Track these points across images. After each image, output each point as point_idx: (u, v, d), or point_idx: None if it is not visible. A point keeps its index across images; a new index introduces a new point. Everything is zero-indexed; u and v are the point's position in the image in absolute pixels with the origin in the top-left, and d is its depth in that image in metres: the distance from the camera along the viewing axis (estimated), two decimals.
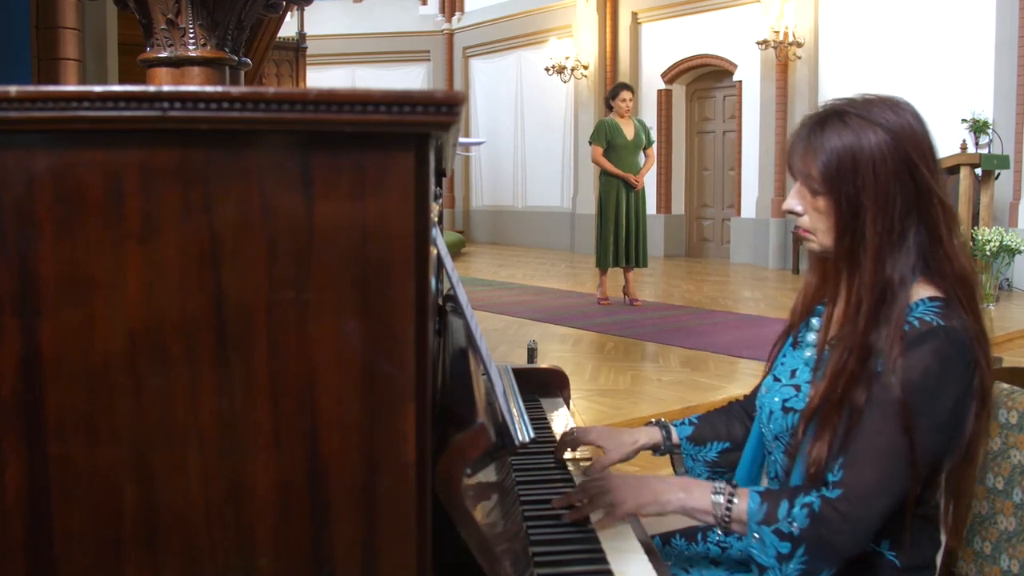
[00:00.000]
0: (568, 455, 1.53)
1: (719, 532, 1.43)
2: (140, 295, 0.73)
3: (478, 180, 14.83)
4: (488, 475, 1.06)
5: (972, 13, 8.64)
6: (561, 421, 1.76)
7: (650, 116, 11.66)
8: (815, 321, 1.38)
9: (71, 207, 0.72)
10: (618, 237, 6.89)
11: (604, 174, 6.93)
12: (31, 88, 0.69)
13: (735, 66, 10.88)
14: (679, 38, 11.51)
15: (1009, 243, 6.73)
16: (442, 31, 14.90)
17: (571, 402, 1.92)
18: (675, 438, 1.53)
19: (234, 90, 0.70)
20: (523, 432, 1.07)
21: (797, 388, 1.33)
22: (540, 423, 1.73)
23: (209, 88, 0.70)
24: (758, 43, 9.90)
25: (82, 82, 4.03)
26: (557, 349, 5.39)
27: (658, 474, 3.26)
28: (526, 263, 11.13)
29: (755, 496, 1.21)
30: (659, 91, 11.85)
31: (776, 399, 1.34)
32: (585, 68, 12.29)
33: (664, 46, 11.74)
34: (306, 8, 7.13)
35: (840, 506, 1.16)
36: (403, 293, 0.74)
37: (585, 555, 1.16)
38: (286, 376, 0.74)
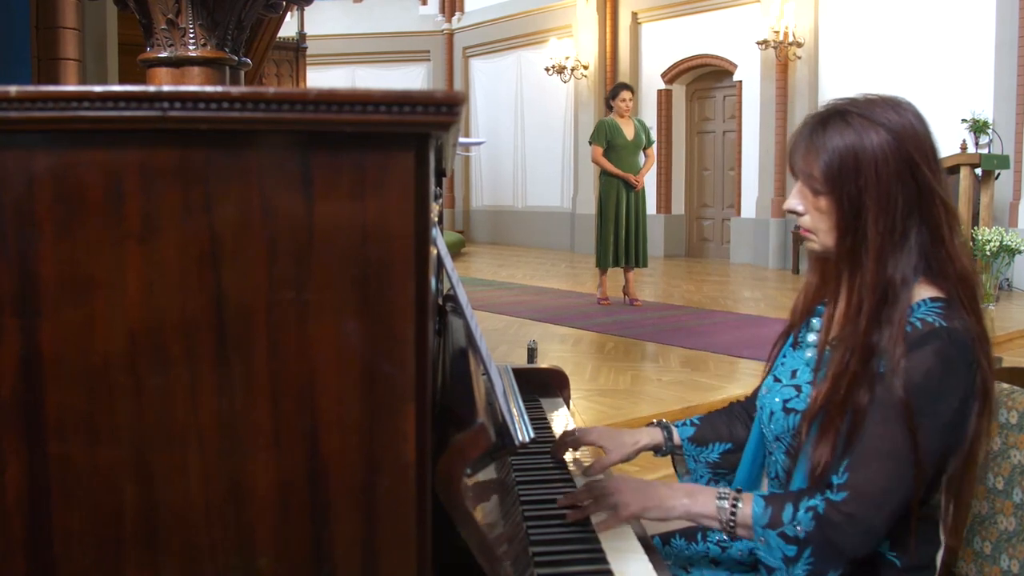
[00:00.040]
0: (569, 455, 1.53)
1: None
2: (140, 295, 0.73)
3: (478, 180, 14.83)
4: (488, 475, 1.06)
5: (972, 13, 8.64)
6: (561, 421, 1.76)
7: (650, 116, 11.66)
8: (815, 321, 1.38)
9: (71, 207, 0.72)
10: (618, 237, 6.89)
11: (604, 174, 6.93)
12: (31, 88, 0.69)
13: (735, 66, 10.88)
14: (679, 38, 11.51)
15: (1009, 243, 6.73)
16: (442, 31, 14.90)
17: (571, 402, 1.92)
18: (676, 439, 1.53)
19: (234, 90, 0.70)
20: (523, 432, 1.07)
21: (798, 389, 1.32)
22: (540, 423, 1.73)
23: (209, 88, 0.70)
24: (758, 43, 9.90)
25: (82, 82, 4.03)
26: (557, 349, 5.39)
27: (658, 475, 3.26)
28: (526, 263, 11.13)
29: (759, 500, 1.21)
30: (659, 91, 11.85)
31: (777, 399, 1.34)
32: (585, 68, 12.29)
33: (664, 46, 11.74)
34: (306, 8, 7.14)
35: (846, 509, 1.16)
36: (403, 293, 0.74)
37: (585, 555, 1.16)
38: (286, 376, 0.74)
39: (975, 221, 7.39)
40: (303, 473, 0.75)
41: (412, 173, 0.73)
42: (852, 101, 1.25)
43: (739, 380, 4.59)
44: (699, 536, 1.48)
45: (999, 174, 7.91)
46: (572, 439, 1.52)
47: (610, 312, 6.77)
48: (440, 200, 1.58)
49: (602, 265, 7.05)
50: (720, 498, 1.24)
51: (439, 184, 1.36)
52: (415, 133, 0.72)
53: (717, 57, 11.12)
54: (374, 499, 0.75)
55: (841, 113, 1.24)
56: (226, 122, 0.70)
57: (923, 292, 1.22)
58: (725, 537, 1.41)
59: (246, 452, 0.75)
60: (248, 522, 0.75)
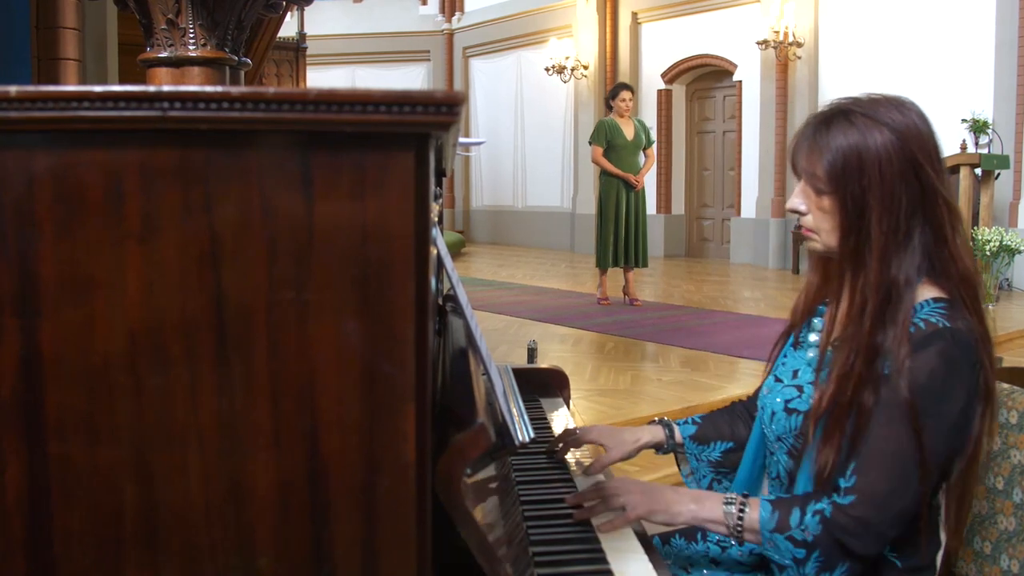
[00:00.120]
0: (569, 455, 1.53)
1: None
2: (140, 295, 0.73)
3: (478, 180, 14.83)
4: (488, 475, 1.06)
5: (972, 13, 8.64)
6: (561, 421, 1.76)
7: (650, 116, 11.65)
8: (817, 321, 1.38)
9: (71, 207, 0.72)
10: (618, 237, 6.88)
11: (604, 174, 6.93)
12: (31, 88, 0.69)
13: (735, 66, 10.88)
14: (679, 38, 11.51)
15: (1009, 243, 6.72)
16: (442, 31, 14.90)
17: (571, 402, 1.92)
18: (678, 437, 1.53)
19: (234, 90, 0.70)
20: (523, 432, 1.07)
21: (799, 389, 1.32)
22: (540, 423, 1.73)
23: (209, 88, 0.70)
24: (758, 43, 9.90)
25: (82, 82, 4.03)
26: (557, 349, 5.39)
27: (659, 475, 3.25)
28: (526, 263, 11.13)
29: (766, 505, 1.21)
30: (659, 91, 11.85)
31: (778, 400, 1.34)
32: (585, 68, 12.28)
33: (664, 46, 11.74)
34: (306, 8, 7.14)
35: (853, 512, 1.16)
36: (403, 293, 0.74)
37: (585, 555, 1.16)
38: (286, 376, 0.74)
39: (975, 221, 7.38)
40: (303, 473, 0.75)
41: (412, 173, 0.73)
42: (856, 100, 1.25)
43: (739, 380, 4.59)
44: (699, 536, 1.48)
45: (999, 174, 7.91)
46: (572, 438, 1.52)
47: (610, 312, 6.77)
48: (440, 200, 1.58)
49: (602, 265, 7.04)
50: (727, 503, 1.24)
51: (439, 184, 1.36)
52: (415, 133, 0.72)
53: (717, 57, 11.12)
54: (374, 499, 0.75)
55: (845, 112, 1.23)
56: (226, 122, 0.70)
57: (926, 292, 1.22)
58: (725, 537, 1.41)
59: (246, 452, 0.75)
60: (248, 522, 0.75)
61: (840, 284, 1.29)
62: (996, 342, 1.16)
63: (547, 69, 12.30)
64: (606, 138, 6.82)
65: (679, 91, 11.91)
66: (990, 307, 6.65)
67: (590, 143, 7.04)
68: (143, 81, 2.25)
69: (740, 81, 10.86)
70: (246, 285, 0.73)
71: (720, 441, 1.51)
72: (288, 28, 8.53)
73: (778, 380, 1.38)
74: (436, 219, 1.02)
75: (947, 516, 1.31)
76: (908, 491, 1.17)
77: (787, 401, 1.33)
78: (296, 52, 9.32)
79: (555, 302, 7.44)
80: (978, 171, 7.60)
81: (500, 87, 14.15)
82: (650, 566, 1.14)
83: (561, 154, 13.21)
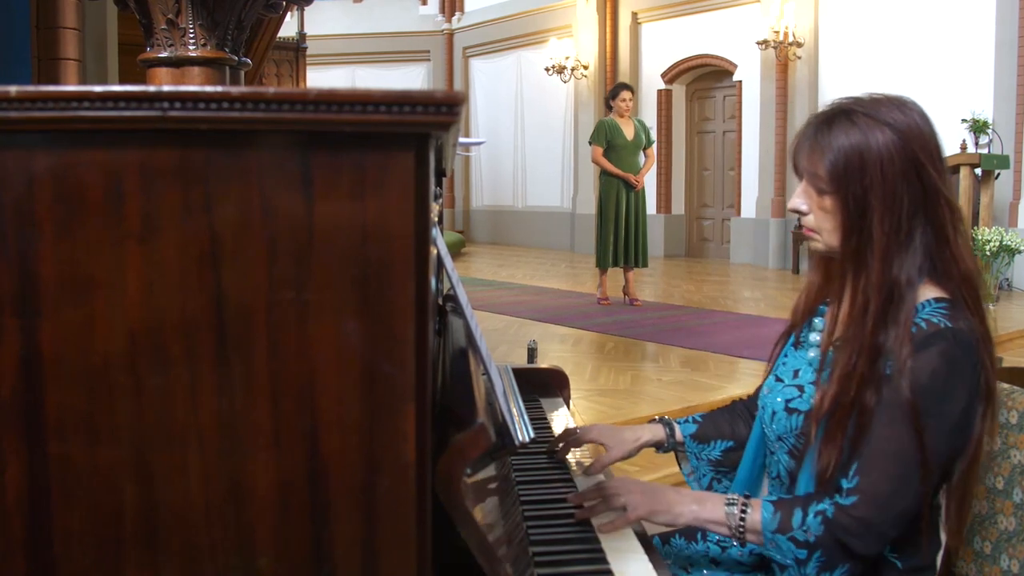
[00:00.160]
0: (569, 455, 1.53)
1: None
2: (140, 295, 0.73)
3: (478, 180, 14.83)
4: (488, 475, 1.06)
5: (972, 13, 8.64)
6: (561, 421, 1.76)
7: (650, 116, 11.65)
8: (818, 321, 1.38)
9: (71, 207, 0.72)
10: (618, 237, 6.88)
11: (604, 174, 6.93)
12: (31, 88, 0.69)
13: (735, 66, 10.88)
14: (679, 38, 11.51)
15: (1009, 243, 6.72)
16: (442, 31, 14.90)
17: (571, 402, 1.92)
18: (679, 435, 1.53)
19: (234, 90, 0.70)
20: (523, 432, 1.07)
21: (800, 389, 1.32)
22: (540, 423, 1.73)
23: (209, 88, 0.70)
24: (758, 43, 9.90)
25: (82, 82, 4.03)
26: (557, 349, 5.39)
27: (659, 474, 3.25)
28: (526, 263, 11.13)
29: (768, 506, 1.21)
30: (659, 91, 11.85)
31: (779, 399, 1.34)
32: (585, 68, 12.28)
33: (664, 46, 11.74)
34: (306, 8, 7.14)
35: (856, 512, 1.16)
36: (403, 293, 0.74)
37: (585, 555, 1.16)
38: (286, 376, 0.74)
39: (975, 221, 7.39)
40: (303, 473, 0.75)
41: (412, 173, 0.73)
42: (857, 100, 1.25)
43: (739, 380, 4.59)
44: (699, 536, 1.48)
45: (999, 174, 7.91)
46: (573, 437, 1.52)
47: (610, 312, 6.77)
48: (440, 200, 1.58)
49: (602, 265, 7.04)
50: (729, 504, 1.24)
51: (439, 184, 1.36)
52: (415, 133, 0.72)
53: (717, 57, 11.12)
54: (374, 499, 0.75)
55: (846, 112, 1.23)
56: (226, 122, 0.70)
57: (927, 293, 1.22)
58: (725, 537, 1.41)
59: (246, 452, 0.75)
60: (248, 522, 0.75)
61: (842, 284, 1.29)
62: (996, 342, 1.16)
63: (547, 69, 12.30)
64: (606, 138, 6.81)
65: (679, 91, 11.91)
66: (990, 307, 6.65)
67: (590, 143, 7.04)
68: (143, 81, 2.25)
69: (740, 81, 10.86)
70: (246, 285, 0.73)
71: (720, 440, 1.51)
72: (288, 28, 8.53)
73: (779, 380, 1.38)
74: (436, 219, 1.02)
75: (948, 516, 1.31)
76: (910, 491, 1.17)
77: (788, 401, 1.33)
78: (296, 52, 9.32)
79: (555, 302, 7.44)
80: (978, 171, 7.60)
81: (500, 87, 14.15)
82: (650, 566, 1.14)
83: (561, 154, 13.21)
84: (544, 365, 1.96)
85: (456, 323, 1.31)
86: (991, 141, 8.43)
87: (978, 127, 8.37)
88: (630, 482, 1.29)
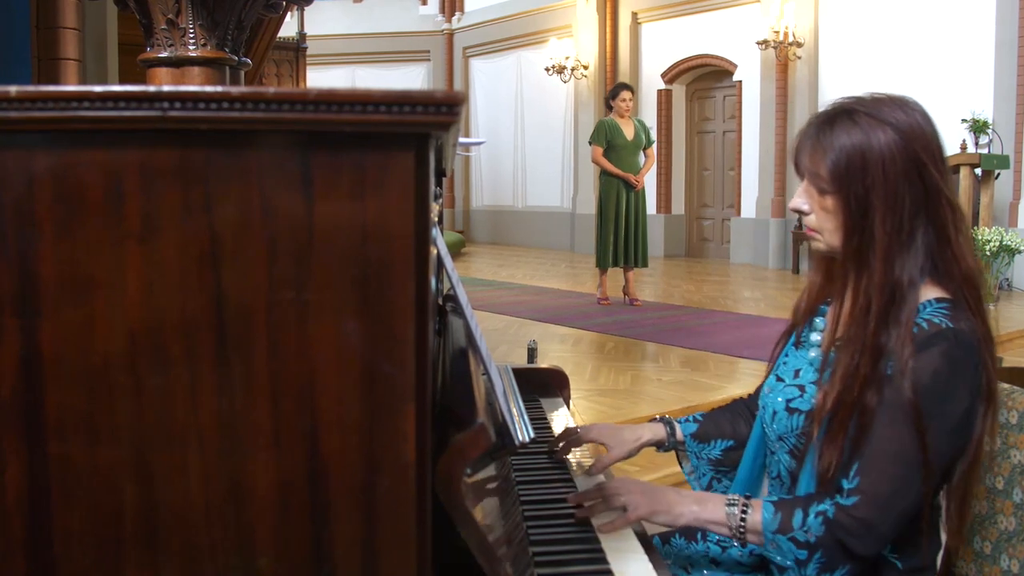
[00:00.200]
0: (570, 455, 1.53)
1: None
2: (140, 295, 0.73)
3: (478, 180, 14.83)
4: (488, 475, 1.06)
5: (972, 13, 8.64)
6: (561, 421, 1.76)
7: (650, 116, 11.65)
8: (819, 321, 1.38)
9: (71, 207, 0.72)
10: (618, 237, 6.88)
11: (604, 174, 6.93)
12: (31, 88, 0.69)
13: (735, 66, 10.88)
14: (679, 38, 11.51)
15: (1009, 243, 6.73)
16: (442, 31, 14.90)
17: (571, 402, 1.92)
18: (679, 435, 1.53)
19: (234, 90, 0.70)
20: (523, 432, 1.07)
21: (801, 389, 1.32)
22: (540, 423, 1.73)
23: (209, 88, 0.70)
24: (758, 43, 9.90)
25: (82, 82, 4.03)
26: (557, 349, 5.39)
27: (659, 474, 3.25)
28: (526, 263, 11.13)
29: (769, 506, 1.21)
30: (659, 91, 11.85)
31: (779, 399, 1.34)
32: (585, 68, 12.28)
33: (664, 46, 11.74)
34: (306, 8, 7.14)
35: (857, 513, 1.16)
36: (403, 293, 0.74)
37: (585, 555, 1.16)
38: (286, 376, 0.74)
39: (975, 221, 7.39)
40: (303, 473, 0.75)
41: (412, 173, 0.73)
42: (859, 100, 1.25)
43: (739, 380, 4.59)
44: (699, 536, 1.48)
45: (999, 174, 7.91)
46: (573, 437, 1.52)
47: (610, 312, 6.77)
48: (440, 200, 1.58)
49: (602, 265, 7.04)
50: (729, 504, 1.24)
51: (439, 184, 1.36)
52: (415, 133, 0.72)
53: (717, 57, 11.12)
54: (374, 499, 0.75)
55: (848, 112, 1.23)
56: (226, 122, 0.70)
57: (929, 293, 1.22)
58: (725, 537, 1.40)
59: (246, 452, 0.75)
60: (248, 522, 0.75)
61: (843, 284, 1.29)
62: (996, 342, 1.15)
63: (547, 69, 12.30)
64: (606, 138, 6.81)
65: (679, 91, 11.91)
66: (990, 307, 6.65)
67: (590, 143, 7.04)
68: (143, 81, 2.25)
69: (740, 81, 10.86)
70: (246, 285, 0.73)
71: (721, 439, 1.51)
72: (288, 28, 8.53)
73: (779, 379, 1.37)
74: (436, 219, 1.02)
75: (948, 516, 1.31)
76: (910, 491, 1.17)
77: (789, 401, 1.33)
78: (296, 52, 9.31)
79: (555, 302, 7.44)
80: (978, 171, 7.60)
81: (500, 87, 14.15)
82: (650, 566, 1.14)
83: (561, 154, 13.21)
84: (544, 365, 1.96)
85: (456, 323, 1.31)
86: (991, 141, 8.43)
87: (978, 127, 8.37)
88: (630, 482, 1.29)
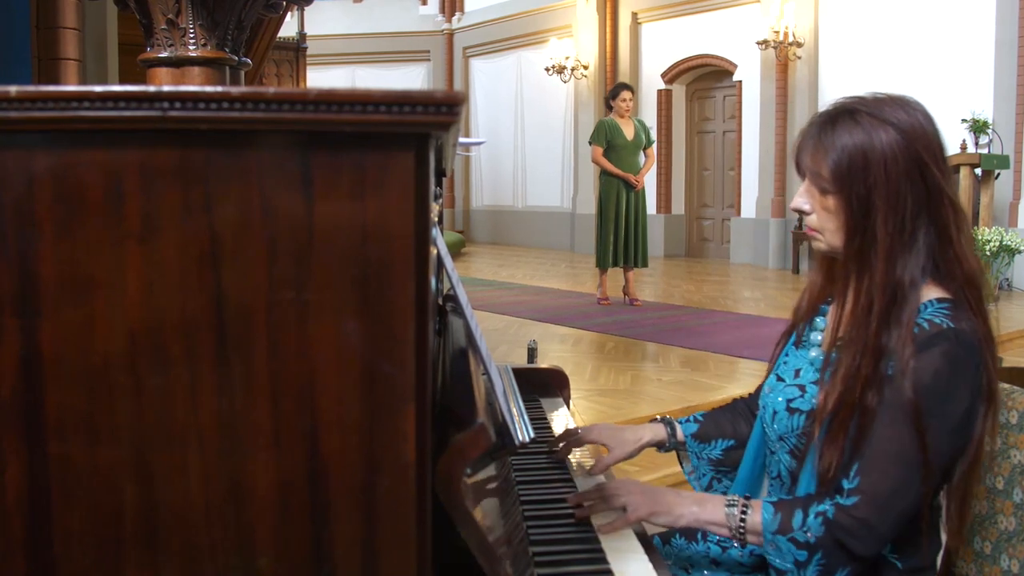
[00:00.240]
0: (570, 456, 1.53)
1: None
2: (140, 295, 0.73)
3: (478, 180, 14.83)
4: (488, 475, 1.06)
5: (972, 13, 8.64)
6: (561, 421, 1.76)
7: (650, 116, 11.65)
8: (819, 320, 1.38)
9: (71, 207, 0.72)
10: (618, 237, 6.88)
11: (604, 174, 6.93)
12: (31, 88, 0.69)
13: (735, 66, 10.88)
14: (679, 38, 11.51)
15: (1009, 243, 6.72)
16: (442, 31, 14.90)
17: (571, 402, 1.92)
18: (680, 435, 1.53)
19: (234, 90, 0.70)
20: (523, 432, 1.06)
21: (802, 388, 1.32)
22: (540, 423, 1.73)
23: (209, 88, 0.70)
24: (758, 43, 9.90)
25: (82, 82, 4.03)
26: (557, 349, 5.39)
27: (659, 474, 3.25)
28: (526, 263, 11.13)
29: (768, 507, 1.21)
30: (659, 91, 11.85)
31: (780, 399, 1.34)
32: (585, 68, 12.28)
33: (664, 46, 11.74)
34: (306, 8, 7.14)
35: (857, 513, 1.16)
36: (403, 293, 0.74)
37: (585, 555, 1.16)
38: (286, 376, 0.74)
39: (975, 221, 7.39)
40: (303, 473, 0.75)
41: (412, 173, 0.73)
42: (861, 100, 1.25)
43: (739, 380, 4.59)
44: (699, 536, 1.48)
45: (999, 174, 7.91)
46: (574, 438, 1.52)
47: (610, 312, 6.77)
48: (440, 200, 1.58)
49: (602, 265, 7.04)
50: (729, 505, 1.24)
51: (439, 184, 1.36)
52: (415, 133, 0.72)
53: (717, 57, 11.12)
54: (374, 499, 0.75)
55: (850, 112, 1.23)
56: (226, 122, 0.70)
57: (930, 293, 1.22)
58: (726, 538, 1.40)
59: (246, 452, 0.74)
60: (248, 522, 0.75)
61: (845, 284, 1.29)
62: (997, 342, 1.15)
63: (547, 69, 12.30)
64: (606, 138, 6.81)
65: (679, 91, 11.91)
66: (991, 307, 6.65)
67: (590, 143, 7.04)
68: (143, 81, 2.25)
69: (740, 81, 10.86)
70: (246, 285, 0.73)
71: (722, 439, 1.51)
72: (288, 28, 8.53)
73: (780, 379, 1.37)
74: (436, 219, 1.02)
75: (948, 516, 1.31)
76: (910, 492, 1.17)
77: (789, 400, 1.32)
78: (296, 52, 9.31)
79: (555, 302, 7.44)
80: (978, 171, 7.60)
81: (500, 87, 14.15)
82: (650, 566, 1.14)
83: (561, 154, 13.21)
84: (544, 365, 1.96)
85: (456, 323, 1.31)
86: (991, 141, 8.43)
87: (978, 127, 8.37)
88: (630, 483, 1.29)
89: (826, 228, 1.26)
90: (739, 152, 10.99)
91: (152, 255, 0.73)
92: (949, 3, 8.80)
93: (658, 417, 1.57)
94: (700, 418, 1.54)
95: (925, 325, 1.18)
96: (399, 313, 0.74)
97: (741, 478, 1.44)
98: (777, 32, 9.70)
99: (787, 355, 1.40)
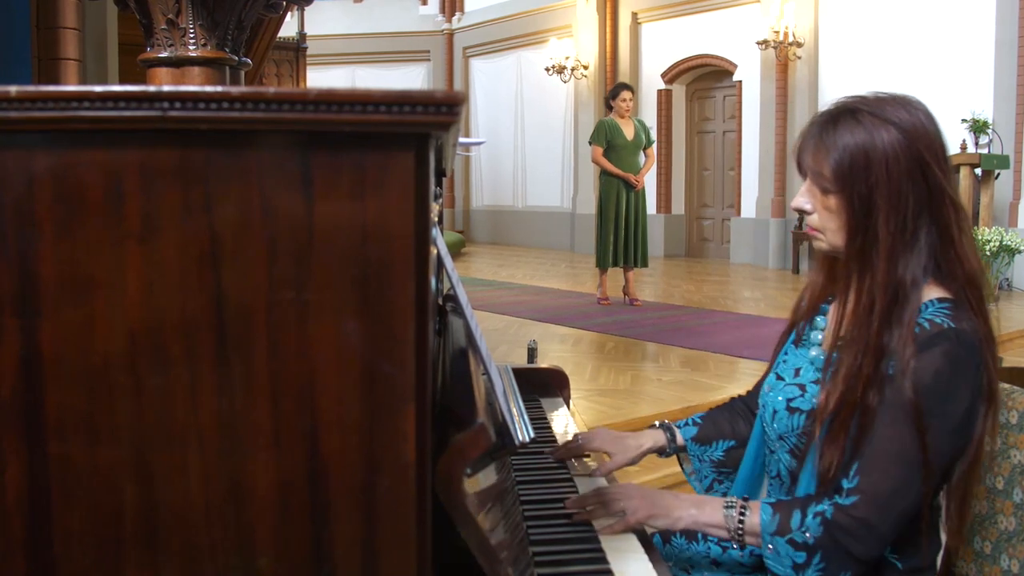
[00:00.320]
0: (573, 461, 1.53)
1: None
2: (140, 295, 0.73)
3: (478, 180, 14.83)
4: (488, 475, 1.06)
5: (972, 13, 8.64)
6: (561, 421, 1.76)
7: (650, 116, 11.65)
8: (820, 320, 1.37)
9: (71, 207, 0.72)
10: (618, 237, 6.88)
11: (604, 174, 6.93)
12: (31, 88, 0.69)
13: (735, 66, 10.88)
14: (679, 38, 11.51)
15: (1009, 243, 6.73)
16: (442, 31, 14.90)
17: (571, 402, 1.92)
18: (680, 440, 1.53)
19: (234, 90, 0.70)
20: (523, 432, 1.06)
21: (802, 388, 1.32)
22: (540, 423, 1.73)
23: (209, 88, 0.70)
24: (758, 43, 9.90)
25: (82, 82, 4.03)
26: (557, 349, 5.39)
27: (659, 475, 3.25)
28: (526, 263, 11.13)
29: (767, 508, 1.21)
30: (659, 91, 11.85)
31: (780, 398, 1.34)
32: (585, 68, 12.28)
33: (664, 46, 11.74)
34: (306, 8, 7.14)
35: (856, 513, 1.16)
36: (403, 293, 0.74)
37: (585, 555, 1.16)
38: (286, 376, 0.74)
39: (975, 221, 7.39)
40: (303, 473, 0.75)
41: (412, 173, 0.73)
42: (862, 99, 1.25)
43: (739, 380, 4.59)
44: (700, 536, 1.48)
45: (999, 174, 7.91)
46: (575, 446, 1.52)
47: (610, 312, 6.77)
48: (440, 200, 1.57)
49: (602, 265, 7.04)
50: (727, 507, 1.23)
51: (439, 184, 1.36)
52: (415, 133, 0.72)
53: (717, 57, 11.12)
54: (374, 499, 0.75)
55: (851, 111, 1.23)
56: (226, 122, 0.70)
57: (931, 293, 1.22)
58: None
59: (246, 452, 0.74)
60: (248, 522, 0.75)
61: (846, 284, 1.28)
62: (997, 342, 1.15)
63: (547, 69, 12.30)
64: (606, 138, 6.81)
65: (679, 91, 11.91)
66: (992, 307, 6.65)
67: (590, 143, 7.04)
68: (143, 81, 2.25)
69: (740, 81, 10.86)
70: (246, 285, 0.73)
71: (722, 440, 1.51)
72: (288, 28, 8.53)
73: (779, 378, 1.37)
74: (436, 219, 1.02)
75: (948, 516, 1.30)
76: (910, 491, 1.16)
77: (789, 400, 1.32)
78: (296, 52, 9.31)
79: (555, 302, 7.44)
80: (978, 171, 7.60)
81: (500, 87, 14.15)
82: (650, 566, 1.14)
83: (561, 154, 13.21)
84: (544, 365, 1.96)
85: (456, 323, 1.31)
86: (991, 141, 8.43)
87: (978, 127, 8.37)
88: (629, 487, 1.29)
89: (827, 228, 1.26)
90: (739, 152, 10.99)
91: (152, 255, 0.73)
92: (949, 3, 8.80)
93: (656, 423, 1.57)
94: (698, 420, 1.54)
95: (926, 325, 1.18)
96: (399, 313, 0.74)
97: (741, 478, 1.44)
98: (777, 32, 9.70)
99: (787, 354, 1.40)
